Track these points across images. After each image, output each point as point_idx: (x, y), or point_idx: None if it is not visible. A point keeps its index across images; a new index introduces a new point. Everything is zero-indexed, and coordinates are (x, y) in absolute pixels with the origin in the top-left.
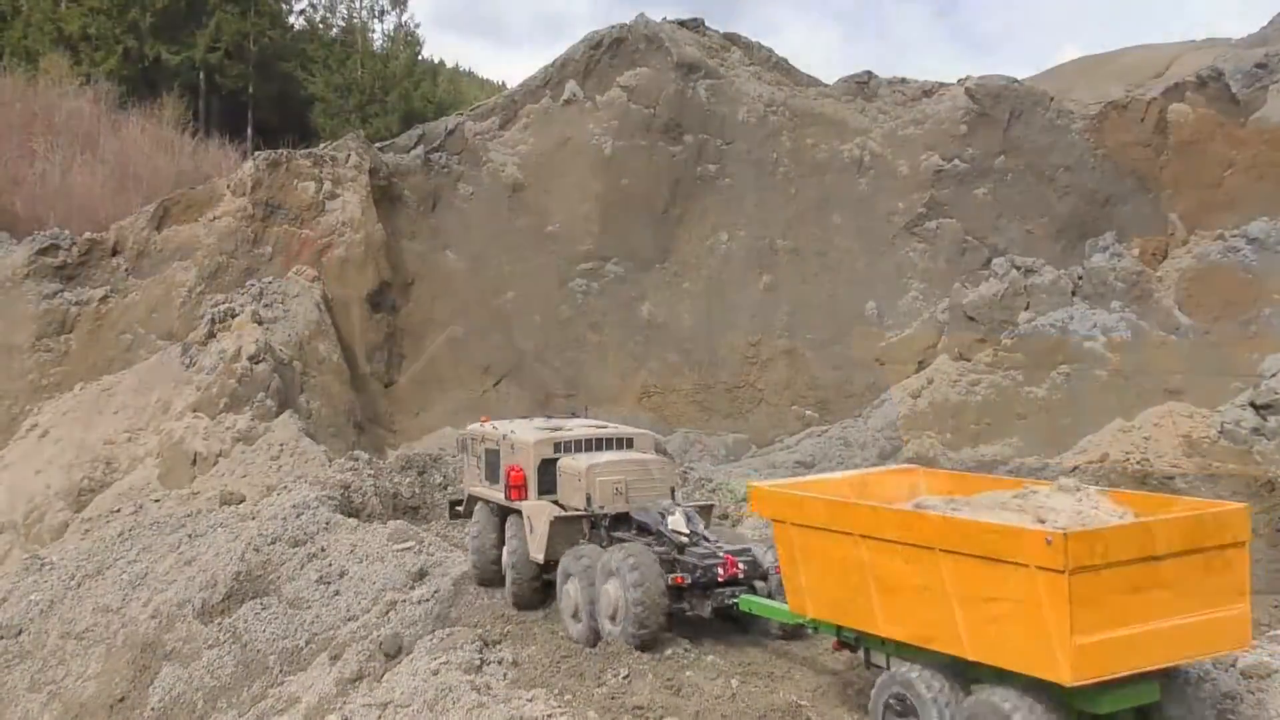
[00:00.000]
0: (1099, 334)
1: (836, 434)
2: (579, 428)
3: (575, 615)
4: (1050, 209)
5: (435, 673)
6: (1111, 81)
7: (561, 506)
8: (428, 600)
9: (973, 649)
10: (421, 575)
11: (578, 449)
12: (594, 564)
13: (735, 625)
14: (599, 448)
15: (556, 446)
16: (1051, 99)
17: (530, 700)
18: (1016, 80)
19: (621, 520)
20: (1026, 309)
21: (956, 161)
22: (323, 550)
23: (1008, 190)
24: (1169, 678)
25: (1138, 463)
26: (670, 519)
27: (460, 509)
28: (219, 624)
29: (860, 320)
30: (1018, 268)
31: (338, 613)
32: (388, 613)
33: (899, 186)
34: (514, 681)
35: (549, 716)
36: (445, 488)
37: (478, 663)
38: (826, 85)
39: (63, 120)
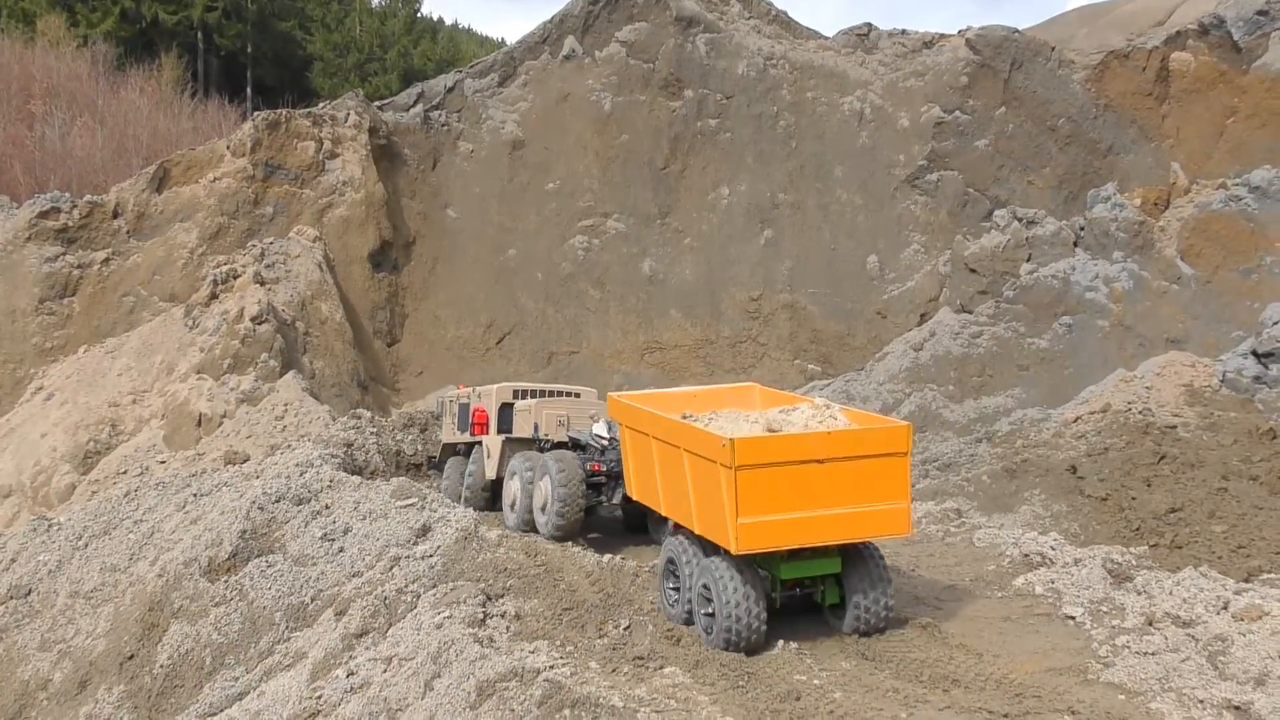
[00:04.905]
0: (1101, 284)
1: (839, 387)
2: (534, 384)
3: (512, 506)
4: (1051, 160)
5: (439, 626)
6: (1112, 30)
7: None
8: (431, 556)
9: (699, 526)
10: (425, 531)
11: (531, 396)
12: (535, 466)
13: None
14: (549, 397)
15: (515, 394)
16: (1053, 49)
17: (533, 652)
18: (1017, 31)
19: (559, 447)
20: (1028, 260)
21: (957, 113)
22: (327, 508)
23: (1009, 141)
24: (852, 552)
25: (1140, 412)
26: (595, 426)
27: (435, 459)
28: (225, 581)
29: (862, 273)
30: (1019, 219)
31: (342, 569)
32: (392, 568)
33: (900, 139)
34: (516, 634)
35: (551, 668)
36: None
37: (481, 616)
38: (826, 38)
39: (61, 83)
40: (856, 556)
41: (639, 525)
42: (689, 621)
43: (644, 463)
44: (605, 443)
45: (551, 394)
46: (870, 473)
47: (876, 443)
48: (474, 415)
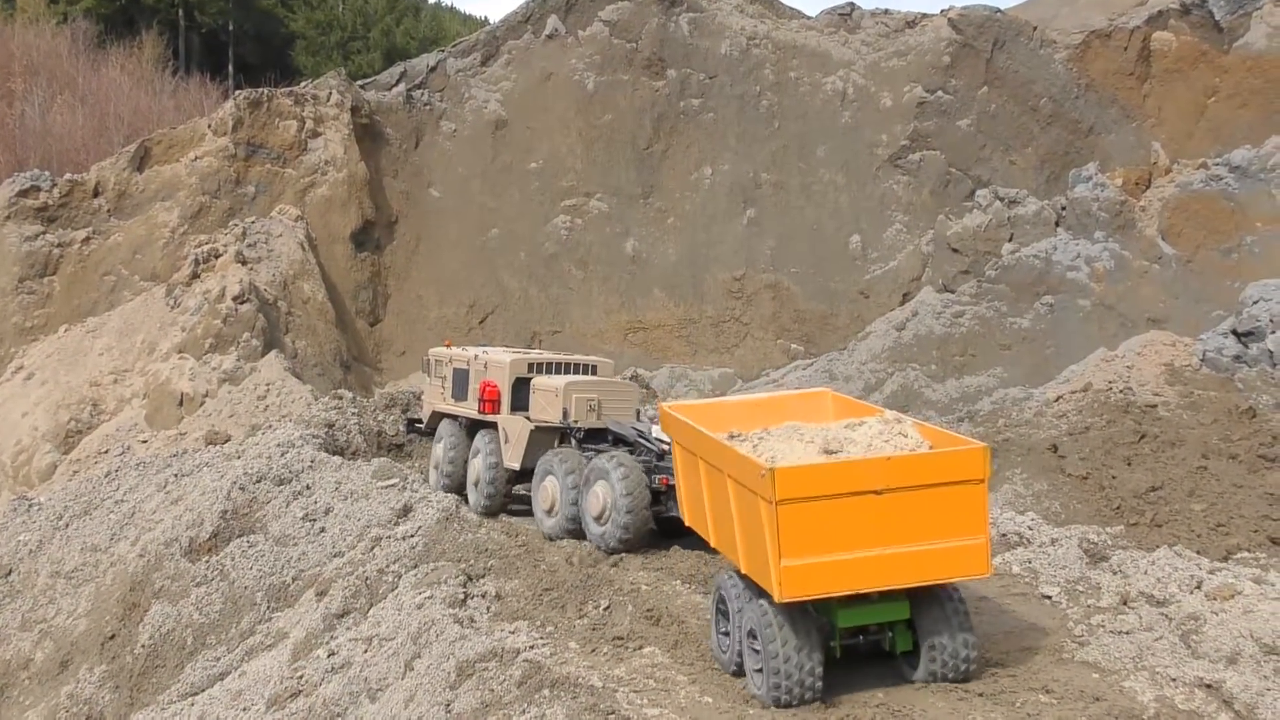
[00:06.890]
0: (1082, 264)
1: (822, 367)
2: (544, 353)
3: (550, 511)
4: (1033, 139)
5: (420, 607)
6: (1094, 10)
7: (531, 421)
8: (412, 536)
9: (745, 565)
10: (406, 511)
11: (549, 370)
12: (577, 466)
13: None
14: (566, 371)
15: (530, 367)
16: (1034, 29)
17: (512, 632)
18: (999, 10)
19: (592, 434)
20: (1010, 240)
21: (940, 93)
22: (308, 488)
23: (991, 121)
24: (922, 595)
25: (1120, 391)
26: (656, 428)
27: (420, 425)
28: (206, 562)
29: (844, 253)
30: (1001, 199)
31: (324, 549)
32: (373, 549)
33: (882, 119)
34: (497, 614)
35: (530, 648)
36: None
37: (461, 596)
38: (809, 17)
39: (41, 60)
40: (930, 598)
41: (675, 530)
42: (739, 672)
43: (693, 485)
44: (666, 448)
45: (565, 367)
46: (940, 504)
47: (947, 468)
48: (483, 390)
